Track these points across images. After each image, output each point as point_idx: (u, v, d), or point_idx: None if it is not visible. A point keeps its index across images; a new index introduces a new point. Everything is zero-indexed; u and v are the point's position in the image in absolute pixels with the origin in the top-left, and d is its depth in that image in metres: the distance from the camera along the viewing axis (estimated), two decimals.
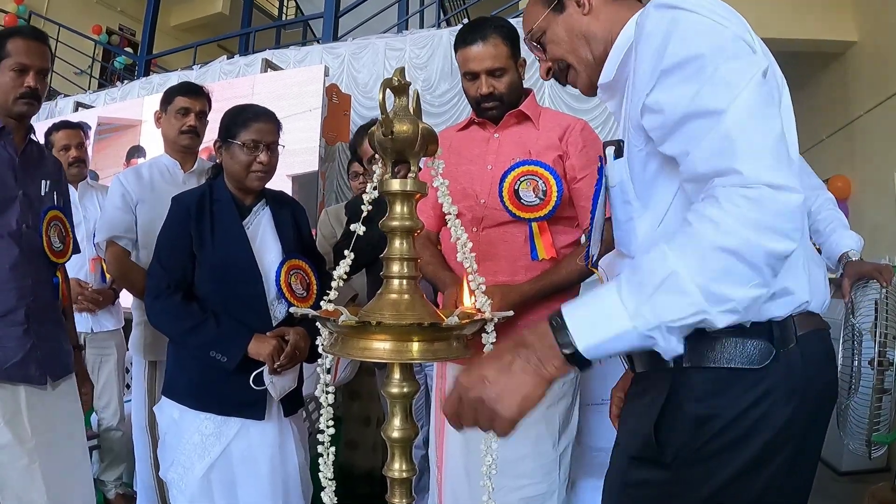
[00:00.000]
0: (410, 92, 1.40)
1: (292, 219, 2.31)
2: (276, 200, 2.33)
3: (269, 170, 2.22)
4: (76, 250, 2.41)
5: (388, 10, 7.64)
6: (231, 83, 6.27)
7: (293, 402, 2.20)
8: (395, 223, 1.33)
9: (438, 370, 2.31)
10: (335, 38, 6.84)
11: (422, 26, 7.76)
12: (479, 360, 1.10)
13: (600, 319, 1.02)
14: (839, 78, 6.38)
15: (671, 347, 1.00)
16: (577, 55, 1.38)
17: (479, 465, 1.46)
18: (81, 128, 3.69)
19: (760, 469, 1.17)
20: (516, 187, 2.03)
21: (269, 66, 6.11)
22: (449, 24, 7.93)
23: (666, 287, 0.98)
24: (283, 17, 13.75)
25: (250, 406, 2.08)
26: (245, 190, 2.22)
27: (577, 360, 1.02)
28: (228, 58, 7.02)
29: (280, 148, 2.30)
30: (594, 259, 1.46)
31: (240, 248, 2.13)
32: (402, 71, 1.35)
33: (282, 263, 2.16)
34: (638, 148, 1.23)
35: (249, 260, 2.13)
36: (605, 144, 1.36)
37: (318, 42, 7.00)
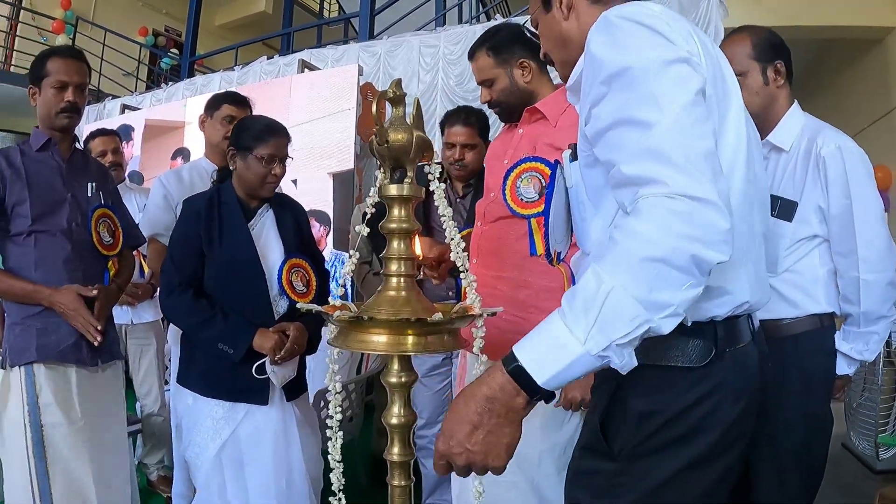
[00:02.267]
0: (410, 101, 1.50)
1: (294, 220, 2.46)
2: (279, 204, 2.47)
3: (280, 180, 2.39)
4: (136, 241, 2.66)
5: (426, 5, 7.70)
6: (270, 84, 6.43)
7: (295, 389, 2.35)
8: (394, 225, 1.43)
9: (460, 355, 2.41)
10: (371, 37, 6.94)
11: (461, 20, 7.82)
12: (450, 422, 1.11)
13: (553, 351, 1.03)
14: (878, 65, 6.22)
15: (625, 362, 1.02)
16: (556, 55, 1.45)
17: None
18: (117, 134, 3.92)
19: (709, 465, 1.19)
20: (518, 183, 2.07)
21: (305, 66, 6.24)
22: (488, 17, 7.98)
23: (608, 306, 1.00)
24: (324, 14, 13.95)
25: (255, 392, 2.24)
26: (252, 195, 2.37)
27: (540, 394, 1.05)
28: (268, 58, 7.17)
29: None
30: (559, 256, 1.50)
31: (245, 249, 2.28)
32: (398, 83, 1.45)
33: (283, 262, 2.31)
34: (586, 153, 1.28)
35: (254, 260, 2.28)
36: (570, 146, 1.42)
37: (356, 40, 7.11)
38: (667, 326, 1.01)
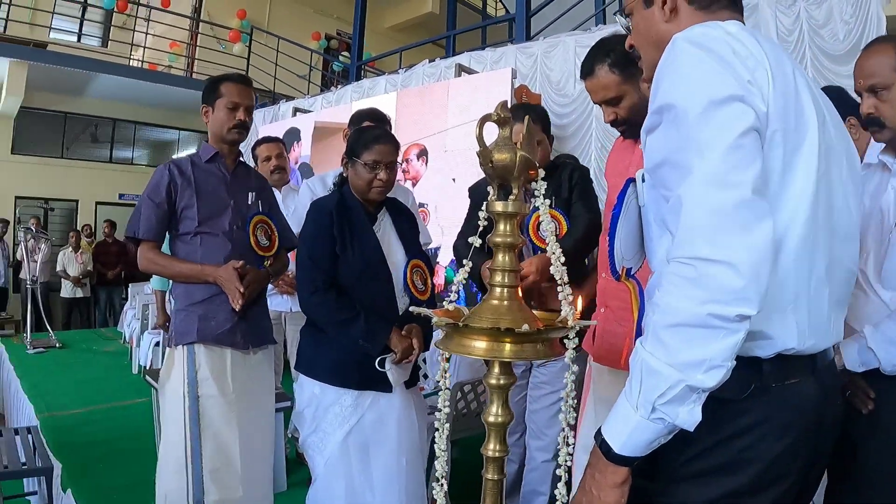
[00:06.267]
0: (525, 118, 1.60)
1: (409, 224, 2.65)
2: (394, 208, 2.66)
3: (389, 185, 2.52)
4: (290, 244, 2.91)
5: (585, 2, 7.64)
6: (430, 88, 6.70)
7: (412, 379, 2.54)
8: (499, 239, 1.54)
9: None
10: (528, 38, 7.00)
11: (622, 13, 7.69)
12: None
13: (620, 421, 1.15)
14: None
15: (684, 420, 1.09)
16: (646, 53, 1.41)
17: None
18: (281, 141, 4.29)
19: (751, 498, 1.19)
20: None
21: (462, 70, 6.43)
22: None
23: (644, 374, 1.11)
24: (488, 11, 14.21)
25: (382, 381, 2.42)
26: (367, 200, 2.54)
27: (623, 461, 1.16)
28: (430, 61, 7.42)
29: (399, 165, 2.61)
30: (629, 272, 1.51)
31: (374, 252, 2.47)
32: (503, 105, 1.55)
33: (407, 263, 2.50)
34: (649, 177, 1.31)
35: (381, 261, 2.47)
36: None
37: (514, 42, 7.20)
38: (711, 379, 1.07)
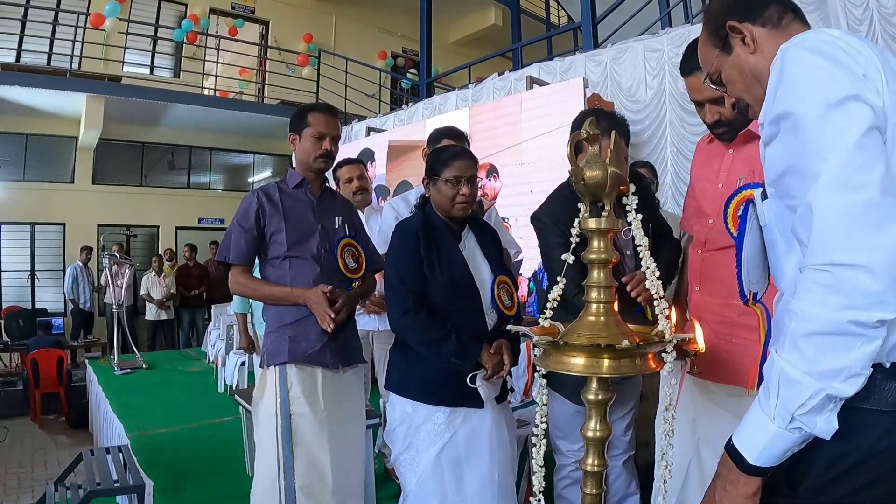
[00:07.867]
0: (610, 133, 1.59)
1: (492, 240, 2.65)
2: (477, 226, 2.67)
3: (471, 201, 2.53)
4: (377, 267, 2.95)
5: (650, 5, 7.57)
6: (502, 102, 6.72)
7: (502, 393, 2.56)
8: (594, 256, 1.55)
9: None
10: (596, 45, 6.96)
11: (687, 17, 7.61)
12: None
13: (754, 432, 1.15)
14: None
15: (822, 429, 1.08)
16: (752, 95, 1.39)
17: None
18: (361, 162, 4.33)
19: None
20: (740, 211, 1.85)
21: (534, 82, 6.43)
22: None
23: (782, 385, 1.10)
24: (551, 20, 14.19)
25: (473, 398, 2.44)
26: (452, 218, 2.56)
27: (757, 471, 1.16)
28: (499, 74, 7.44)
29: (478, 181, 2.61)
30: (755, 296, 1.49)
31: (461, 271, 2.49)
32: (592, 122, 1.55)
33: (493, 280, 2.51)
34: (772, 189, 1.30)
35: (469, 279, 2.49)
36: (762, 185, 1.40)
37: (581, 51, 7.17)
38: (850, 388, 1.06)
